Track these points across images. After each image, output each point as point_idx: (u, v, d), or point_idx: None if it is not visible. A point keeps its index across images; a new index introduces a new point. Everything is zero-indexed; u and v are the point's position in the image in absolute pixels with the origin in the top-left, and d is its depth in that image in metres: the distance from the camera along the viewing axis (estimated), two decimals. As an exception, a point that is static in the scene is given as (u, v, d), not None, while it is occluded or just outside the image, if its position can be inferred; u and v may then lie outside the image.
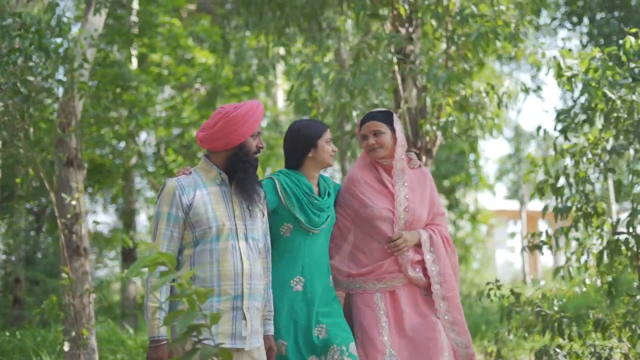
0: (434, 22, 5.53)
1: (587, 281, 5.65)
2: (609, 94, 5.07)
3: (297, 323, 3.45)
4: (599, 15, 13.55)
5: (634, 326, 4.49)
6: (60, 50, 6.02)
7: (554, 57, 5.29)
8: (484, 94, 5.37)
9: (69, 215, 6.13)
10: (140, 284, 12.67)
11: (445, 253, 3.63)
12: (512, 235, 29.01)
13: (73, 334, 5.87)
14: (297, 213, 3.46)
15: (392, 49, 5.18)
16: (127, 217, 12.00)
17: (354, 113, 5.06)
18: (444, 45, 5.30)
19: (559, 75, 5.26)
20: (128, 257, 11.99)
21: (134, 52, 11.25)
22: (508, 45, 5.35)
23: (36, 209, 12.49)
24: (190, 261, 3.08)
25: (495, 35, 4.86)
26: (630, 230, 4.82)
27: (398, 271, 3.55)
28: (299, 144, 3.56)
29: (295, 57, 9.75)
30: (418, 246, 3.60)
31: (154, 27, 10.25)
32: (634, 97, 5.09)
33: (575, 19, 14.11)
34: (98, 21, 7.26)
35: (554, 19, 14.82)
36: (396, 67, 5.46)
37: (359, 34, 6.42)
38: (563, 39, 15.15)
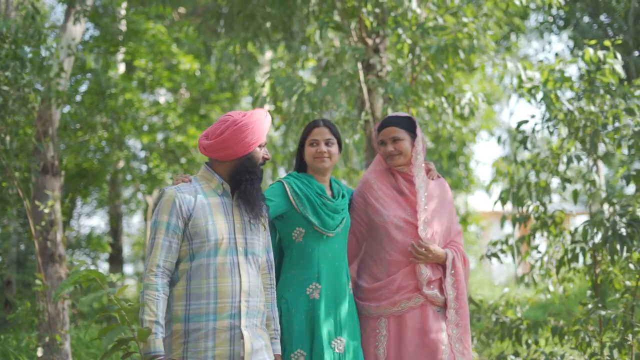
0: (400, 32, 5.62)
1: (551, 288, 5.77)
2: (567, 105, 5.18)
3: (314, 332, 3.27)
4: (584, 20, 13.63)
5: (582, 334, 4.59)
6: (38, 58, 6.12)
7: (516, 69, 5.39)
8: (445, 105, 5.47)
9: (43, 223, 6.23)
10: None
11: (464, 276, 3.47)
12: (508, 236, 29.04)
13: (47, 339, 5.98)
14: (309, 215, 3.31)
15: (359, 61, 5.28)
16: (114, 222, 12.11)
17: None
18: (410, 56, 5.39)
19: (519, 86, 5.37)
20: (115, 260, 12.11)
21: (119, 58, 11.38)
22: (472, 56, 5.45)
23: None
24: (186, 276, 2.93)
25: (455, 48, 4.96)
26: (587, 239, 4.92)
27: (412, 290, 3.40)
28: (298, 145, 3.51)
29: (278, 62, 9.85)
30: (437, 264, 3.45)
31: (140, 34, 10.36)
32: (592, 108, 5.20)
33: (561, 23, 14.19)
34: (77, 30, 7.37)
35: (541, 23, 14.90)
36: (362, 78, 5.57)
37: (328, 44, 6.54)
38: (550, 43, 15.28)
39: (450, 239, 3.54)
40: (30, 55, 6.00)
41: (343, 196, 3.47)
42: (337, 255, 3.37)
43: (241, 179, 2.99)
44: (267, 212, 3.16)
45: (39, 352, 5.96)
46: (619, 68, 5.27)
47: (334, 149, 3.43)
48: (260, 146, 3.05)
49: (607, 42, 5.40)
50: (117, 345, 2.49)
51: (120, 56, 11.21)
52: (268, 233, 3.18)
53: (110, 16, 9.92)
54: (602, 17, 13.63)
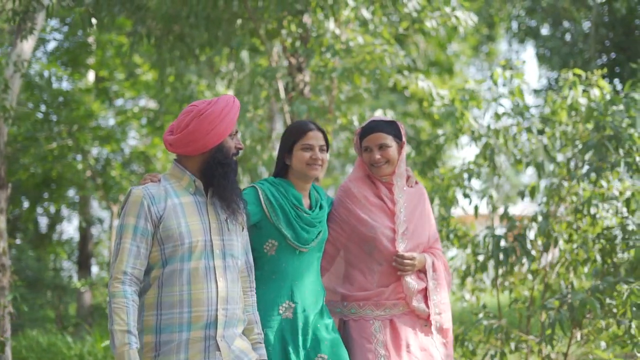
0: (327, 55, 5.83)
1: (467, 297, 6.01)
2: (473, 123, 5.43)
3: (290, 354, 3.04)
4: (546, 29, 13.88)
5: (466, 342, 4.83)
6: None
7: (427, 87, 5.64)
8: (356, 123, 5.72)
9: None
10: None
11: (445, 281, 3.35)
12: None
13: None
14: (283, 228, 3.07)
15: (271, 80, 5.53)
16: (82, 229, 12.35)
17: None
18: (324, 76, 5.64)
19: (430, 104, 5.62)
20: (83, 265, 12.37)
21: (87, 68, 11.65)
22: (385, 75, 5.68)
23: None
24: (157, 283, 2.68)
25: (360, 70, 5.19)
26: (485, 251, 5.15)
27: (400, 299, 3.26)
28: (279, 147, 3.21)
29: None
30: (421, 272, 3.31)
31: (103, 45, 10.63)
32: (496, 125, 5.45)
33: (529, 30, 14.40)
34: (26, 47, 7.62)
35: (509, 29, 15.13)
36: (283, 97, 5.82)
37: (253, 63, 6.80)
38: (517, 52, 15.57)
39: (429, 245, 3.40)
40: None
41: (321, 207, 3.25)
42: (311, 271, 3.16)
43: (214, 174, 2.75)
44: (246, 208, 2.92)
45: (-21, 358, 6.19)
46: (525, 88, 5.52)
47: (326, 156, 3.21)
48: (230, 135, 2.81)
49: (517, 62, 5.65)
50: None
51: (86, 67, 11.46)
52: (247, 233, 2.95)
53: (70, 30, 10.18)
54: (566, 24, 13.87)
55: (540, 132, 5.29)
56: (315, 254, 3.17)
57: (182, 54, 5.96)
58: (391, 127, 3.32)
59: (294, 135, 3.16)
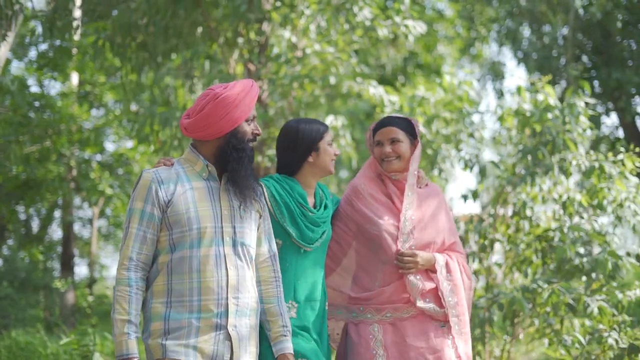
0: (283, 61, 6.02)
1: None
2: (422, 129, 5.62)
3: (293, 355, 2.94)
4: (525, 33, 14.05)
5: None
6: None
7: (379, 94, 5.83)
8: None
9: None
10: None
11: (462, 283, 3.20)
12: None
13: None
14: (287, 226, 3.03)
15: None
16: (66, 230, 12.55)
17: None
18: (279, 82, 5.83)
19: (381, 110, 5.81)
20: (66, 265, 12.56)
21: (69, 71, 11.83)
22: (340, 81, 5.88)
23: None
24: (166, 270, 2.66)
25: (311, 78, 5.38)
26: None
27: (404, 302, 3.13)
28: (299, 146, 3.12)
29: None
30: (429, 271, 3.17)
31: (83, 48, 10.83)
32: (444, 132, 5.64)
33: (508, 33, 14.57)
34: (1, 53, 7.82)
35: (490, 31, 15.29)
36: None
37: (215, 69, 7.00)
38: (499, 54, 15.79)
39: (445, 247, 3.25)
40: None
41: (326, 206, 3.21)
42: (314, 271, 3.12)
43: (228, 159, 2.71)
44: (263, 195, 2.91)
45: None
46: (473, 94, 5.72)
47: None
48: (247, 121, 2.76)
49: (467, 70, 5.85)
50: None
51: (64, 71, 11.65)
52: (267, 219, 2.92)
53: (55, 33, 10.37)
54: (545, 28, 14.04)
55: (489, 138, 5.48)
56: (319, 254, 3.15)
57: (144, 61, 6.15)
58: (405, 124, 3.27)
59: (320, 132, 3.15)
